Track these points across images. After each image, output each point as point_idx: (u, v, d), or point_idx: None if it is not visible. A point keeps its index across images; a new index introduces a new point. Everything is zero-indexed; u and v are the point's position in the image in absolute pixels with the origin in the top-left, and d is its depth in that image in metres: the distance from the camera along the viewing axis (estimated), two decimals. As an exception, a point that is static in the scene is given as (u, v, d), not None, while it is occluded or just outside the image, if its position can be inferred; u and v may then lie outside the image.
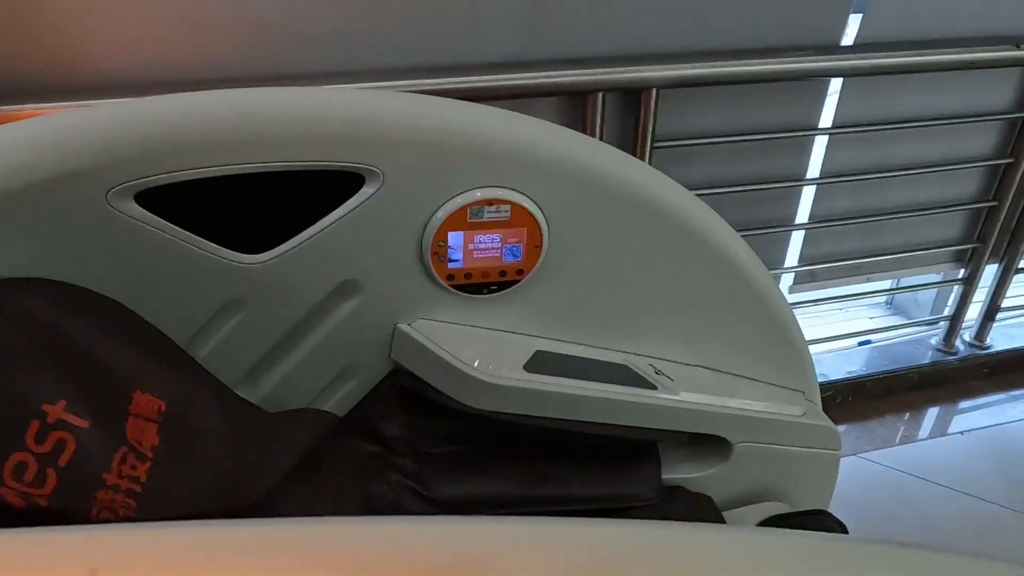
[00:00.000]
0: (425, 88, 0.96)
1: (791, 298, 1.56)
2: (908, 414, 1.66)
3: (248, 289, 0.66)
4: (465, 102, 0.65)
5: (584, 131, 1.14)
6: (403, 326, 0.73)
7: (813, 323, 1.78)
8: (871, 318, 1.90)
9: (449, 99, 0.64)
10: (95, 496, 0.46)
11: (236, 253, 0.64)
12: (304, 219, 0.65)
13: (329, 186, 0.63)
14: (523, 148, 0.67)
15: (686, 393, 0.79)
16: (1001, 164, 1.47)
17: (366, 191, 0.64)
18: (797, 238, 1.47)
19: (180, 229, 0.60)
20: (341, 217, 0.65)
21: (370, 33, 0.93)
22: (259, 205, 0.63)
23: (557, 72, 1.08)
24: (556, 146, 0.68)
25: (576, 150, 0.70)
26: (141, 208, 0.58)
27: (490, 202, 0.68)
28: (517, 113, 0.68)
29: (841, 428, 1.63)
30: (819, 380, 1.61)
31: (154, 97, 0.56)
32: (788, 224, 1.42)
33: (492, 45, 1.05)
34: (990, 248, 1.56)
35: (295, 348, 0.73)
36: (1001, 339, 1.75)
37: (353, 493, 0.72)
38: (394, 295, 0.72)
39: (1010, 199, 1.50)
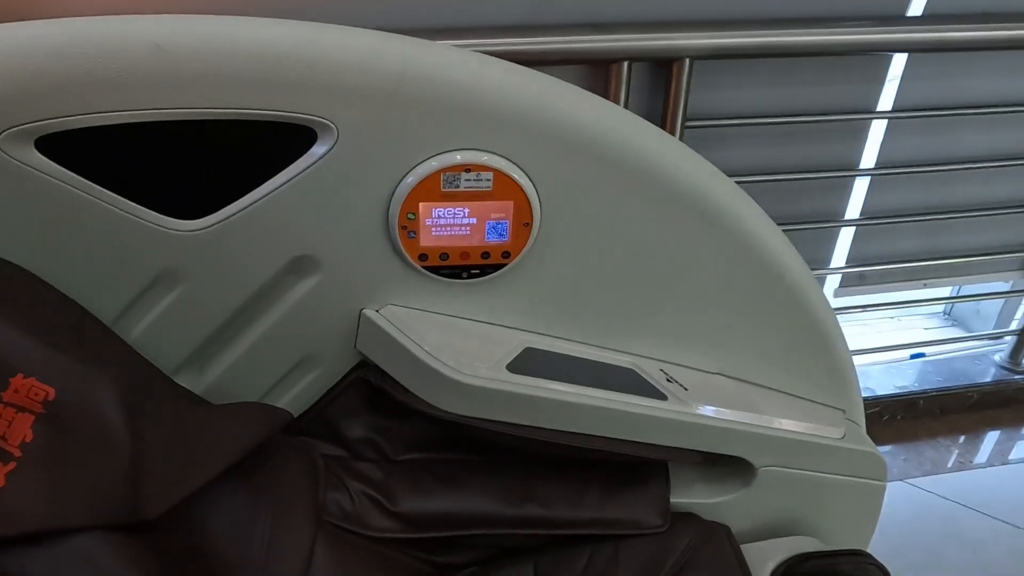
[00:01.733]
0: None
1: (835, 303, 1.41)
2: (964, 437, 1.50)
3: (184, 260, 0.57)
4: (438, 44, 0.54)
5: (605, 105, 1.01)
6: (369, 312, 0.63)
7: (860, 331, 1.62)
8: (926, 329, 1.73)
9: (417, 39, 0.53)
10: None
11: (166, 218, 0.55)
12: (247, 181, 0.55)
13: (275, 142, 0.53)
14: (512, 105, 0.56)
15: (702, 406, 0.67)
16: (1087, 160, 1.29)
17: (318, 149, 0.54)
18: (846, 236, 1.32)
19: (94, 185, 0.51)
20: (290, 179, 0.55)
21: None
22: (193, 162, 0.53)
23: (576, 37, 0.96)
24: (553, 104, 0.57)
25: (578, 111, 0.58)
26: (43, 157, 0.49)
27: (468, 168, 0.57)
28: (505, 61, 0.56)
29: (886, 449, 1.48)
30: (864, 395, 1.47)
31: (53, 21, 0.46)
32: (836, 219, 1.27)
33: (502, 5, 0.94)
34: (1069, 256, 1.38)
35: (244, 332, 0.63)
36: (1075, 359, 1.56)
37: (303, 503, 0.62)
38: (358, 276, 0.62)
39: (1095, 200, 1.32)
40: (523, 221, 0.60)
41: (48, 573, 0.40)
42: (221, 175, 0.54)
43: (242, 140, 0.52)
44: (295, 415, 0.68)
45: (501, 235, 0.61)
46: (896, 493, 1.36)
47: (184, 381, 0.63)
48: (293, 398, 0.68)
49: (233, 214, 0.55)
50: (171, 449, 0.52)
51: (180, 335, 0.61)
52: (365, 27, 0.86)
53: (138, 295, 0.58)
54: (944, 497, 1.37)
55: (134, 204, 0.53)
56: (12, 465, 0.41)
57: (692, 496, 0.75)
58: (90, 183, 0.51)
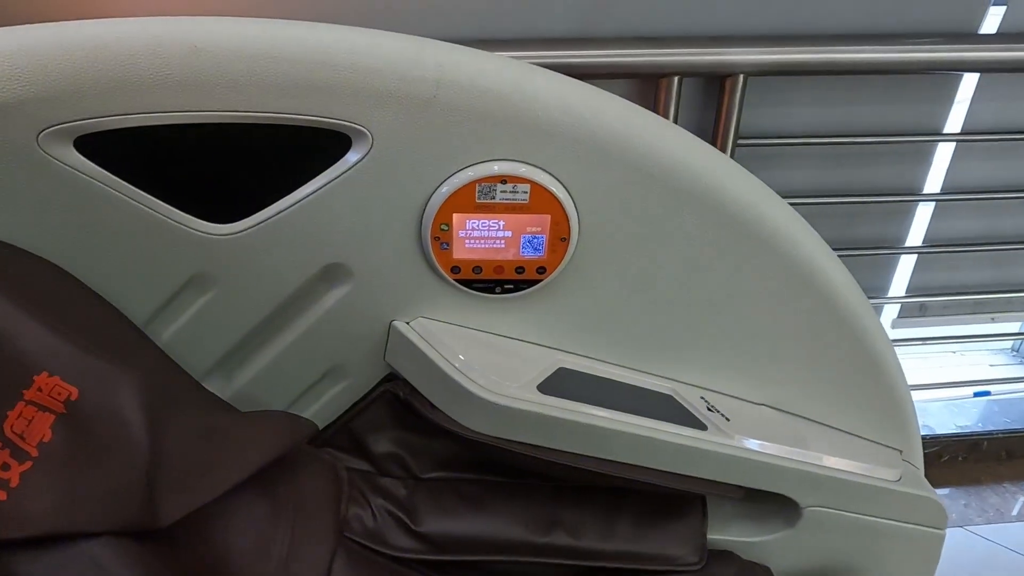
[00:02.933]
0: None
1: (893, 334, 1.34)
2: (1032, 484, 1.39)
3: (216, 264, 0.56)
4: (477, 51, 0.53)
5: (654, 120, 0.99)
6: (399, 324, 0.62)
7: (919, 365, 1.54)
8: (992, 365, 1.62)
9: (455, 45, 0.52)
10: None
11: (200, 221, 0.54)
12: (281, 186, 0.54)
13: (310, 148, 0.52)
14: (552, 115, 0.53)
15: (745, 438, 0.63)
16: None
17: (352, 156, 0.53)
18: (907, 264, 1.25)
19: (130, 186, 0.51)
20: (324, 186, 0.54)
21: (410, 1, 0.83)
22: (227, 166, 0.53)
23: (625, 51, 0.94)
24: (595, 116, 0.55)
25: (622, 124, 0.56)
26: (82, 156, 0.49)
27: (504, 179, 0.55)
28: (546, 70, 0.55)
29: (945, 492, 1.39)
30: (922, 432, 1.38)
31: (93, 22, 0.46)
32: (896, 246, 1.20)
33: (550, 17, 0.92)
34: None
35: (274, 339, 0.63)
36: None
37: (325, 517, 0.61)
38: (389, 286, 0.60)
39: None
40: (560, 236, 0.58)
41: (55, 577, 0.40)
42: (255, 179, 0.54)
43: (277, 145, 0.52)
44: (321, 426, 0.66)
45: (537, 250, 0.59)
46: (955, 541, 1.27)
47: (212, 386, 0.63)
48: (320, 408, 0.66)
49: (266, 219, 0.55)
50: (191, 456, 0.51)
51: (210, 340, 0.61)
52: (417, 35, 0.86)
53: (170, 298, 0.57)
54: (1009, 548, 1.27)
55: (169, 206, 0.53)
56: (28, 465, 0.40)
57: (731, 534, 0.70)
58: (126, 184, 0.51)
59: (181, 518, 0.47)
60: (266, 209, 0.54)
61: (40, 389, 0.43)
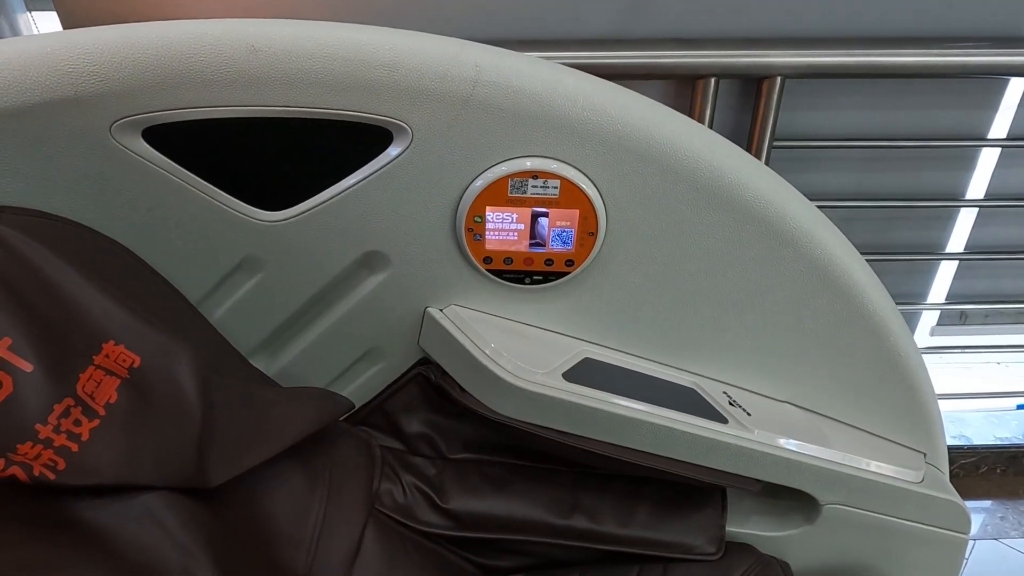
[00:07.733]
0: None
1: (932, 341, 1.32)
2: (1074, 500, 1.35)
3: (265, 249, 0.61)
4: (512, 52, 0.55)
5: (690, 121, 1.00)
6: (433, 311, 0.65)
7: (959, 374, 1.51)
8: (1038, 378, 1.58)
9: (492, 47, 0.55)
10: (16, 447, 0.41)
11: (252, 208, 0.58)
12: (326, 178, 0.58)
13: (354, 142, 0.56)
14: (581, 114, 0.56)
15: (765, 432, 0.65)
16: None
17: (393, 150, 0.56)
18: (947, 270, 1.23)
19: (191, 174, 0.56)
20: (365, 179, 0.57)
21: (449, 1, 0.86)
22: (278, 157, 0.57)
23: (662, 52, 0.95)
24: (624, 116, 0.57)
25: (650, 124, 0.58)
26: (149, 146, 0.54)
27: (535, 174, 0.58)
28: (577, 71, 0.57)
29: (983, 504, 1.36)
30: (959, 442, 1.36)
31: (162, 23, 0.51)
32: (938, 252, 1.19)
33: (588, 17, 0.95)
34: None
35: (316, 321, 0.67)
36: None
37: (358, 489, 0.65)
38: (424, 274, 0.64)
39: None
40: (588, 230, 0.60)
41: (116, 523, 0.44)
42: (303, 170, 0.58)
43: (323, 138, 0.56)
44: (358, 405, 0.70)
45: (565, 243, 0.61)
46: (989, 553, 1.25)
47: (258, 363, 0.67)
48: (357, 388, 0.70)
49: (312, 208, 0.59)
50: (238, 424, 0.55)
51: (257, 319, 0.65)
52: (456, 35, 0.89)
53: (222, 279, 0.62)
54: (1047, 564, 1.24)
55: (225, 194, 0.57)
56: (96, 422, 0.45)
57: (750, 527, 0.72)
58: (188, 172, 0.55)
59: (228, 481, 0.52)
60: (312, 198, 0.58)
61: (108, 355, 0.48)
